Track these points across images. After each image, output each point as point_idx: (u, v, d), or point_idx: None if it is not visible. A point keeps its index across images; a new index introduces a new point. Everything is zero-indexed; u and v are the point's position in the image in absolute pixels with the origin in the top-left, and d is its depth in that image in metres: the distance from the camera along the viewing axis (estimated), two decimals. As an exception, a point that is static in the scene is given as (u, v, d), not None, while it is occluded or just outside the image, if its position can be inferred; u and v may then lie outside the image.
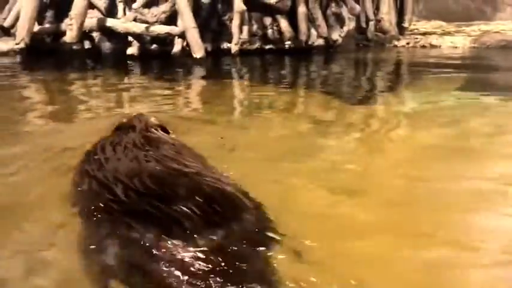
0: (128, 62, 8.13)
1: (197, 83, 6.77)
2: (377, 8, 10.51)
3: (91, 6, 8.36)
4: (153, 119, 2.99)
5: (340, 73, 7.86)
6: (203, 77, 7.18)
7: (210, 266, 1.60)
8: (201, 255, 1.63)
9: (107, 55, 8.46)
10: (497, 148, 3.38)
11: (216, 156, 2.73)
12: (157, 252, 1.65)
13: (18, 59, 8.17)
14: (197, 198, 1.88)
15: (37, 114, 4.50)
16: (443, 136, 3.71)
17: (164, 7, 8.33)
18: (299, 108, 5.29)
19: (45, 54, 8.26)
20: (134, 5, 8.27)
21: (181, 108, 4.95)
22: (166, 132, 2.95)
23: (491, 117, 4.30)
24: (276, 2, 8.58)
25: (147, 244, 1.69)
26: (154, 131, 2.82)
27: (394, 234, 2.09)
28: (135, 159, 2.30)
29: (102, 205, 1.96)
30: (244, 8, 8.15)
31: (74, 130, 3.88)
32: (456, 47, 10.23)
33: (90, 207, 1.99)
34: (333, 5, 9.41)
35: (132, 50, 8.27)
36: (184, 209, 1.82)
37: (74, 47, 8.30)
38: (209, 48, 8.40)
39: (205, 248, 1.66)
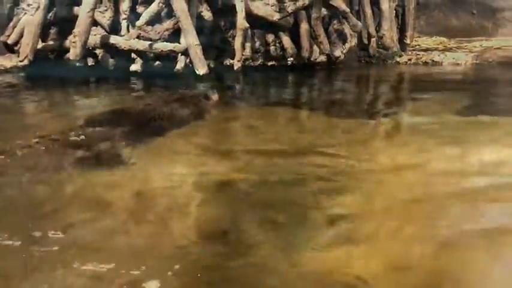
0: (131, 78, 8.15)
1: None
2: (379, 25, 10.53)
3: (95, 23, 8.40)
4: (210, 93, 5.55)
5: (342, 90, 7.86)
6: (206, 93, 7.19)
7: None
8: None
9: (110, 72, 8.48)
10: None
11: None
12: None
13: (21, 76, 8.20)
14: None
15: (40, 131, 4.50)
16: (449, 157, 3.69)
17: (167, 24, 8.37)
18: (301, 124, 5.28)
19: (48, 71, 8.29)
20: (138, 23, 8.30)
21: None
22: (208, 100, 5.25)
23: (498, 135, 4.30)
24: (279, 19, 8.61)
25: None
26: (201, 98, 5.10)
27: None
28: (147, 106, 4.63)
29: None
30: (247, 25, 8.18)
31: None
32: (458, 64, 10.23)
33: None
34: (335, 22, 9.43)
35: (136, 66, 8.29)
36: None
37: (78, 64, 8.32)
38: (212, 65, 8.42)
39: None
